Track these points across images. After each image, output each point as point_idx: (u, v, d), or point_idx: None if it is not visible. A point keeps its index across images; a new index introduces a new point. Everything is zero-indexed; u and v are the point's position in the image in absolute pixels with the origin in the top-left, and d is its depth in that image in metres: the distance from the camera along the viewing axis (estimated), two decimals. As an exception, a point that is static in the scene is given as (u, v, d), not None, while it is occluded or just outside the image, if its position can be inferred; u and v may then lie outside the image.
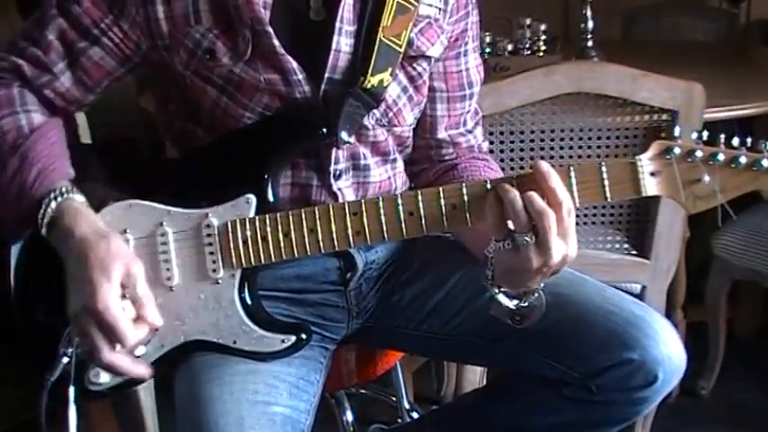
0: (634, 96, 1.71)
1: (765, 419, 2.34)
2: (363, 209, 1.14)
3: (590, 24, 2.59)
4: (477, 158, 1.40)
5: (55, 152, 1.18)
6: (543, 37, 2.57)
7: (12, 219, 1.16)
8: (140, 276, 1.10)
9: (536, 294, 1.14)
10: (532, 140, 1.80)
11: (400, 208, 1.13)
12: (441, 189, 1.13)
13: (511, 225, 1.08)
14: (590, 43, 2.59)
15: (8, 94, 1.20)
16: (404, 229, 1.14)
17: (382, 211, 1.14)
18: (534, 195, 1.06)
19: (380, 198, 1.14)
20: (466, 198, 1.12)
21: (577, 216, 1.87)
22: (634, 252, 1.88)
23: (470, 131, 1.41)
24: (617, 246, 1.89)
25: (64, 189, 1.14)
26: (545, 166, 1.07)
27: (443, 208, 1.13)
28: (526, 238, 1.07)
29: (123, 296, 1.09)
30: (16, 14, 2.72)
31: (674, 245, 1.86)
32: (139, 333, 1.11)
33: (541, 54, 2.55)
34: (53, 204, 1.13)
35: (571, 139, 1.79)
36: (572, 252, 1.08)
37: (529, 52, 2.57)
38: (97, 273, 1.08)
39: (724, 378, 2.41)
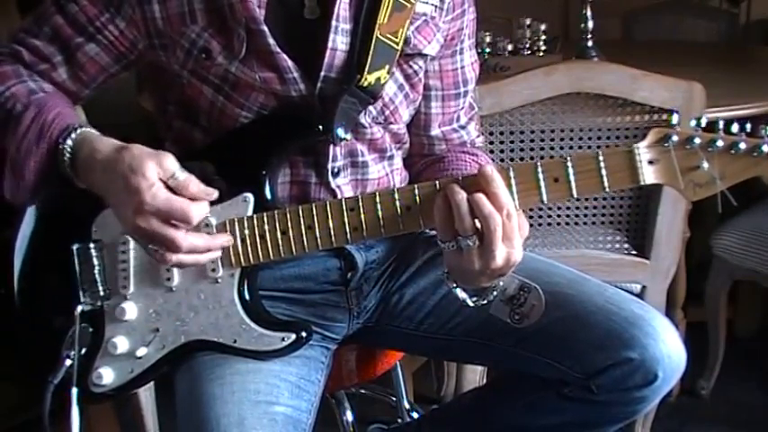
0: (634, 96, 1.71)
1: (765, 419, 2.34)
2: (360, 204, 1.14)
3: (590, 24, 2.58)
4: (466, 153, 1.39)
5: (68, 106, 1.21)
6: (543, 37, 2.57)
7: (34, 166, 1.16)
8: (174, 165, 1.10)
9: (494, 293, 1.14)
10: (532, 140, 1.80)
11: (397, 203, 1.13)
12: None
13: (456, 227, 1.08)
14: (590, 43, 2.59)
15: (14, 68, 1.23)
16: (401, 224, 1.14)
17: (379, 206, 1.13)
18: (482, 198, 1.06)
19: (377, 194, 1.14)
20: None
21: (577, 216, 1.88)
22: (634, 252, 1.89)
23: (463, 127, 1.41)
24: (617, 246, 1.89)
25: (77, 125, 1.16)
26: (489, 170, 1.07)
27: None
28: (469, 242, 1.07)
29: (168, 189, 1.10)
30: (16, 14, 2.72)
31: (674, 245, 1.86)
32: (201, 209, 1.11)
33: (541, 54, 2.55)
34: (69, 141, 1.14)
35: (571, 139, 1.79)
36: (517, 256, 1.08)
37: (529, 52, 2.57)
38: (132, 177, 1.08)
39: (724, 378, 2.41)
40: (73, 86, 1.25)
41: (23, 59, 1.23)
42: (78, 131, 1.15)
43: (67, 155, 1.14)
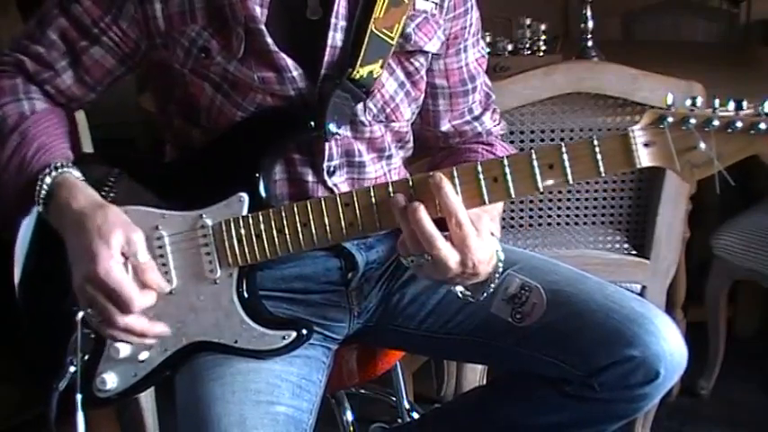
0: (634, 96, 1.71)
1: (765, 419, 2.34)
2: (355, 200, 1.14)
3: (590, 24, 2.59)
4: (480, 143, 1.40)
5: (55, 133, 1.21)
6: (543, 37, 2.58)
7: (13, 197, 1.18)
8: (140, 244, 1.12)
9: (491, 286, 1.15)
10: (532, 140, 1.80)
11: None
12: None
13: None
14: (590, 43, 2.59)
15: (12, 83, 1.23)
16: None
17: (374, 201, 1.13)
18: (423, 222, 1.07)
19: (372, 188, 1.13)
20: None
21: (577, 216, 1.88)
22: (634, 252, 1.89)
23: (477, 118, 1.41)
24: (617, 246, 1.89)
25: (60, 164, 1.17)
26: (438, 176, 1.08)
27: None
28: (421, 259, 1.09)
29: (125, 265, 1.11)
30: (16, 14, 2.73)
31: (674, 245, 1.86)
32: (147, 298, 1.12)
33: (541, 54, 2.56)
34: (48, 179, 1.15)
35: (571, 139, 1.79)
36: (479, 255, 1.09)
37: (529, 52, 2.58)
38: (96, 241, 1.09)
39: (724, 378, 2.41)
40: (78, 92, 1.25)
41: (26, 69, 1.23)
42: (59, 171, 1.16)
43: (44, 193, 1.15)
